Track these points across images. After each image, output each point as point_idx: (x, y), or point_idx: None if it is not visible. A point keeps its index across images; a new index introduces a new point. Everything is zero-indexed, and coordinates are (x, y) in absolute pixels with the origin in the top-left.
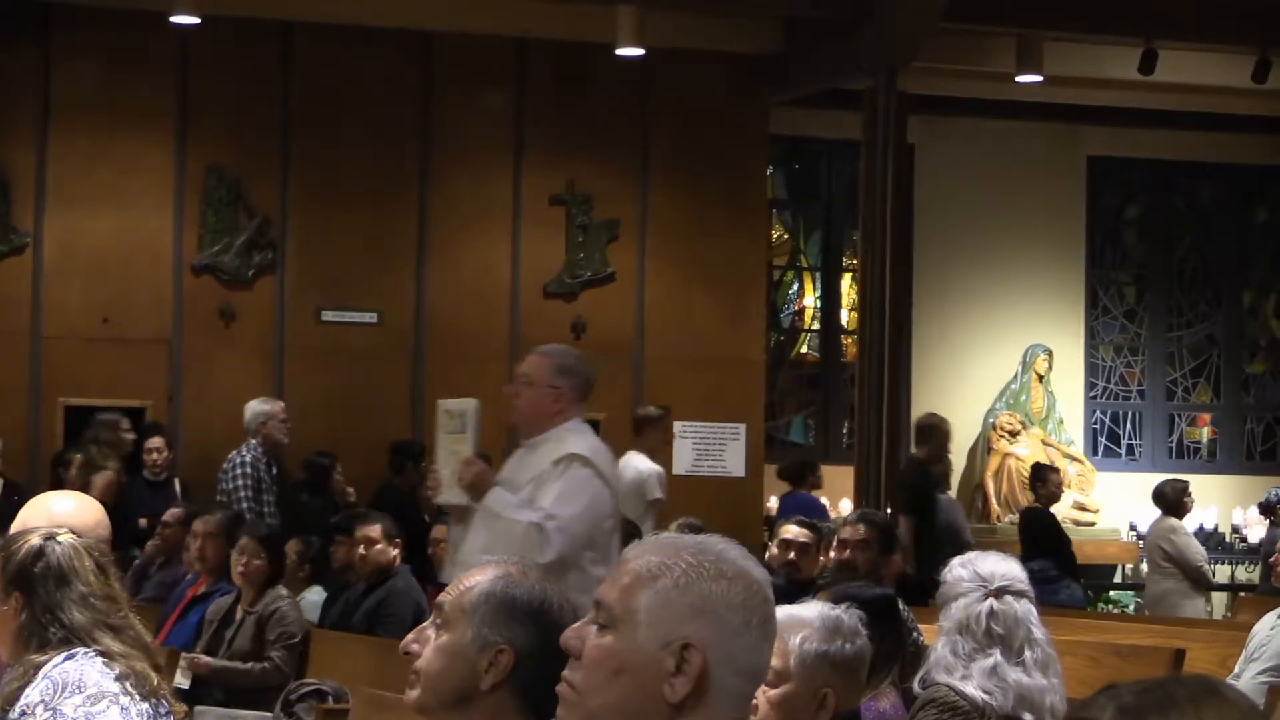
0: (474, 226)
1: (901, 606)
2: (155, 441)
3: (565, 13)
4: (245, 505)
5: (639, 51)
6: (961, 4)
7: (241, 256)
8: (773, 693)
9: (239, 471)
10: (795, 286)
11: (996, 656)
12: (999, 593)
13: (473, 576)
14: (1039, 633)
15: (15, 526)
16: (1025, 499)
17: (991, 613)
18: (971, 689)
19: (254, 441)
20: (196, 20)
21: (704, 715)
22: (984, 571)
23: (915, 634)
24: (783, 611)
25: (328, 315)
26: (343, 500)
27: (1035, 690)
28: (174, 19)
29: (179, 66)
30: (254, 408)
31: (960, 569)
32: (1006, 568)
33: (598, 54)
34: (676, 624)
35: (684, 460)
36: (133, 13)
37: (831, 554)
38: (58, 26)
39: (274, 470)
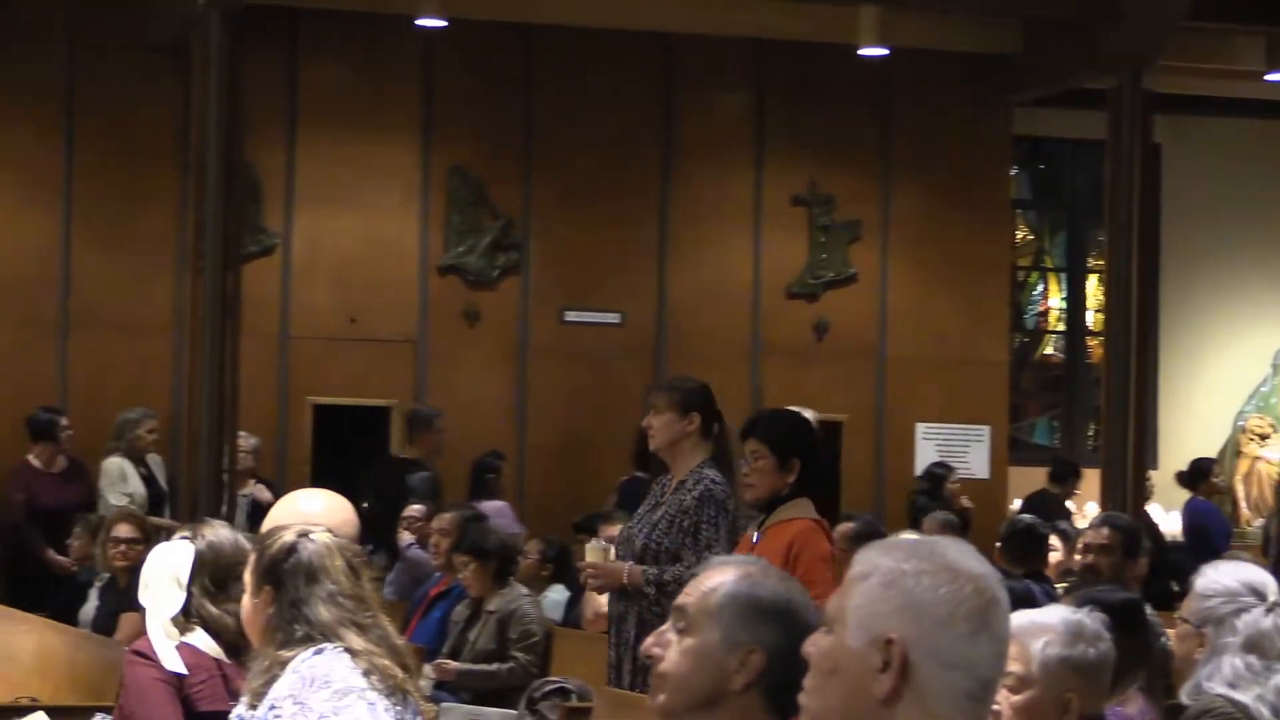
0: (715, 227)
1: (1148, 611)
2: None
3: (806, 13)
4: None
5: (881, 51)
6: (1207, 2)
7: (486, 257)
8: (1015, 698)
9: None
10: (1039, 287)
11: None
12: (1275, 606)
13: (714, 577)
14: None
15: (266, 524)
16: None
17: (1277, 628)
18: (1251, 702)
19: None
20: (442, 23)
21: (915, 711)
22: (1256, 583)
23: (1163, 639)
24: (1025, 616)
25: (570, 316)
26: (962, 507)
27: None
28: (419, 22)
29: (424, 69)
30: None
31: (1228, 580)
32: (1266, 578)
33: (839, 54)
34: (881, 620)
35: (926, 461)
36: (379, 16)
37: (1076, 557)
38: (305, 30)
39: None
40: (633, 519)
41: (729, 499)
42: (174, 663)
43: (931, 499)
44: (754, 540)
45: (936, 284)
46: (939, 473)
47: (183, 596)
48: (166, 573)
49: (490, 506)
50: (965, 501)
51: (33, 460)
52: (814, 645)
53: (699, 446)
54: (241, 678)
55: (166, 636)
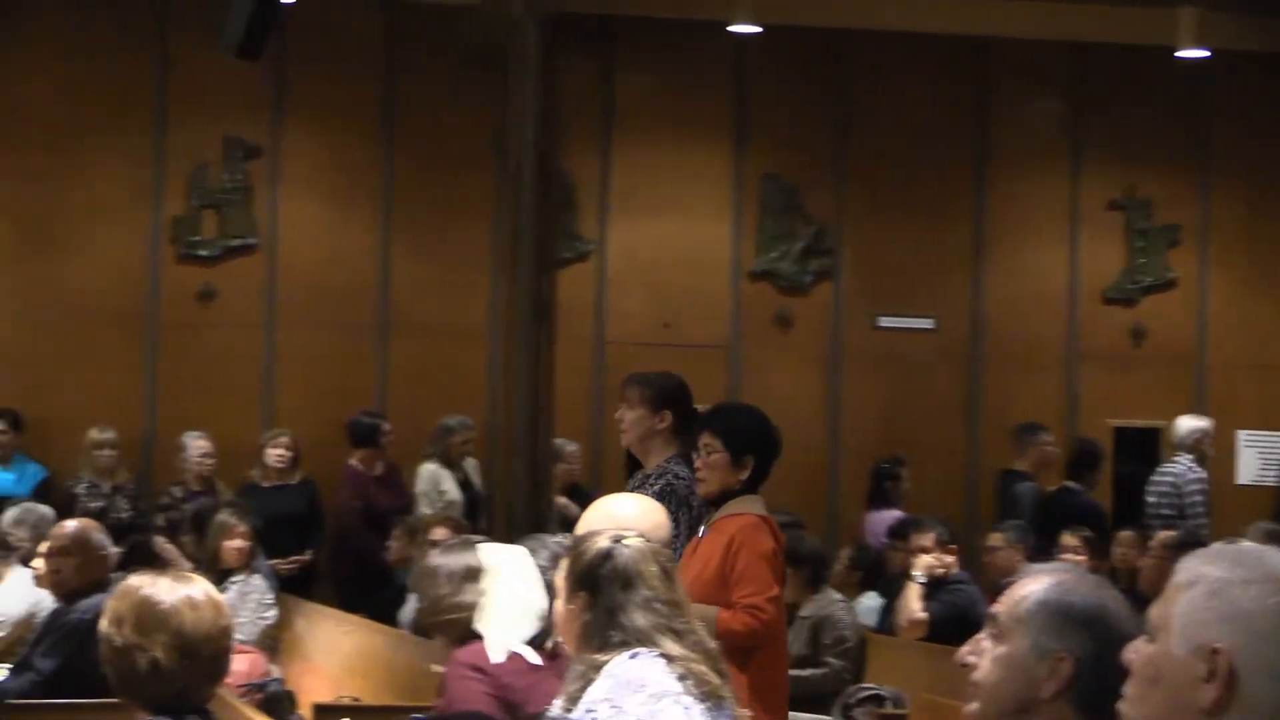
0: (1030, 232)
1: None
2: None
3: (1123, 15)
4: (1199, 522)
5: (1200, 53)
6: None
7: (798, 263)
8: None
9: (1196, 487)
10: None
11: None
12: None
13: (1027, 585)
14: None
15: (579, 529)
16: None
17: None
18: None
19: (1189, 458)
20: (756, 29)
21: None
22: None
23: None
24: None
25: (884, 321)
26: None
27: None
28: (732, 28)
29: (737, 75)
30: (1189, 424)
31: None
32: None
33: (1157, 57)
34: (1206, 630)
35: (1248, 470)
36: (692, 23)
37: None
38: (619, 38)
39: None
40: None
41: (692, 495)
42: (533, 658)
43: None
44: (700, 536)
45: (1258, 289)
46: None
47: (541, 604)
48: (514, 579)
49: (881, 518)
50: None
51: (356, 465)
52: (1136, 653)
53: (670, 443)
54: (559, 680)
55: (513, 641)
